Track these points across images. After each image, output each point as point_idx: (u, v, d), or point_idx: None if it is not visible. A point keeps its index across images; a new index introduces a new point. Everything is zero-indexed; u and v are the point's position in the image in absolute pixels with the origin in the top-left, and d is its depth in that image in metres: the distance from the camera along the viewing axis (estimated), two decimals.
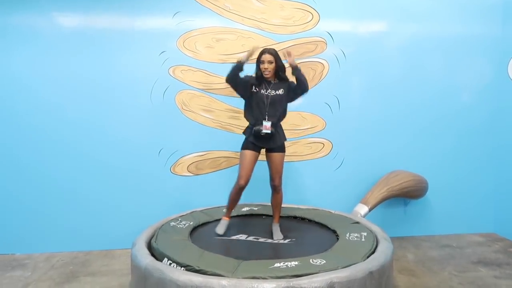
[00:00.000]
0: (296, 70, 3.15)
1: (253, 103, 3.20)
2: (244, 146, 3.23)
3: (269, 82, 3.20)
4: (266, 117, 3.14)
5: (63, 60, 3.90)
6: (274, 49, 3.17)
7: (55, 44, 3.88)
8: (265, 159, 3.27)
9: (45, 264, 3.66)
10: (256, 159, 3.22)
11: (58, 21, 3.89)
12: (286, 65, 3.20)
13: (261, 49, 3.19)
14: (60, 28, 3.89)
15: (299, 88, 3.18)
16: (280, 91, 3.17)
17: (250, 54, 3.15)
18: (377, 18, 4.27)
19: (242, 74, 3.18)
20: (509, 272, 3.40)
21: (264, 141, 3.18)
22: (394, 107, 4.32)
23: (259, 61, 3.16)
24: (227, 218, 3.32)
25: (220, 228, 3.25)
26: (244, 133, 3.29)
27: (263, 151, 3.26)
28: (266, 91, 3.16)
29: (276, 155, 3.21)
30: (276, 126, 3.19)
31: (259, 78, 3.18)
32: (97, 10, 3.91)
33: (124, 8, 3.94)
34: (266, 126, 3.10)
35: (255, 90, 3.18)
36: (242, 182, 3.16)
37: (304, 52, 4.18)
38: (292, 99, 3.27)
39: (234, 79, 3.16)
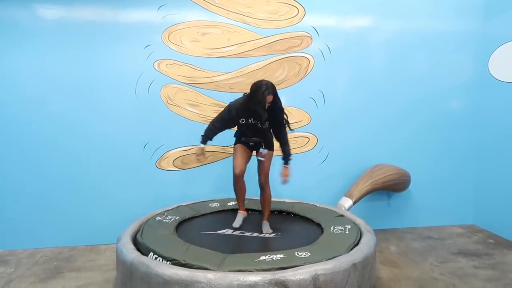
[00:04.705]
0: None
1: (243, 129, 3.25)
2: (236, 141, 3.37)
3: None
4: (256, 142, 3.28)
5: (44, 53, 3.82)
6: (274, 87, 3.03)
7: (36, 37, 3.80)
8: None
9: (28, 260, 3.62)
10: (249, 152, 3.34)
11: (39, 13, 3.80)
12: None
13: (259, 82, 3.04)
14: (41, 21, 3.81)
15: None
16: (267, 124, 3.19)
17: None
18: (362, 14, 4.31)
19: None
20: (488, 262, 3.50)
21: (252, 147, 3.34)
22: (378, 102, 4.37)
23: (260, 96, 2.96)
24: (242, 211, 3.40)
25: (237, 222, 3.34)
26: (235, 135, 3.41)
27: None
28: (255, 121, 3.17)
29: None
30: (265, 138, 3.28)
31: (252, 109, 3.05)
32: (80, 2, 3.84)
33: (108, 1, 3.88)
34: (261, 153, 3.25)
35: (243, 122, 3.19)
36: (236, 171, 3.22)
37: (289, 47, 4.19)
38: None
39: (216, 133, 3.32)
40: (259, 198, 3.39)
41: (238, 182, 3.28)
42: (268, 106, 3.02)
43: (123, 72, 3.95)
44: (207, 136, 3.26)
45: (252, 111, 3.05)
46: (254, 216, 3.55)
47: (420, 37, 4.40)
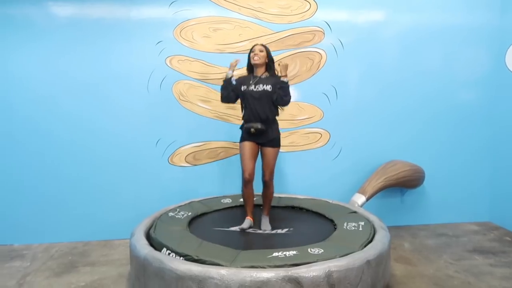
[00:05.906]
0: (284, 84, 3.16)
1: (244, 100, 3.26)
2: (242, 138, 3.31)
3: (257, 78, 3.24)
4: (255, 115, 3.20)
5: (55, 51, 3.84)
6: (265, 46, 3.29)
7: (47, 35, 3.82)
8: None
9: (44, 254, 3.67)
10: (255, 149, 3.27)
11: (52, 10, 3.83)
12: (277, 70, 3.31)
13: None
14: (52, 18, 3.83)
15: (279, 101, 3.20)
16: (268, 87, 3.18)
17: (233, 66, 3.30)
18: (375, 8, 4.24)
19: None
20: (504, 260, 3.44)
21: (255, 137, 3.23)
22: (391, 97, 4.31)
23: (250, 53, 3.27)
24: (250, 218, 3.26)
25: (244, 225, 3.20)
26: (241, 128, 3.38)
27: None
28: (254, 88, 3.19)
29: (268, 150, 3.24)
30: (268, 122, 3.21)
31: (249, 71, 3.33)
32: None
33: None
34: (254, 126, 3.20)
35: (244, 89, 3.23)
36: (246, 175, 3.18)
37: (301, 42, 4.15)
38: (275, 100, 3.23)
39: (229, 97, 3.32)
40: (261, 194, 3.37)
41: (247, 187, 3.22)
42: (263, 61, 3.22)
43: (135, 69, 3.96)
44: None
45: (249, 70, 3.33)
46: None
47: (434, 31, 4.31)
